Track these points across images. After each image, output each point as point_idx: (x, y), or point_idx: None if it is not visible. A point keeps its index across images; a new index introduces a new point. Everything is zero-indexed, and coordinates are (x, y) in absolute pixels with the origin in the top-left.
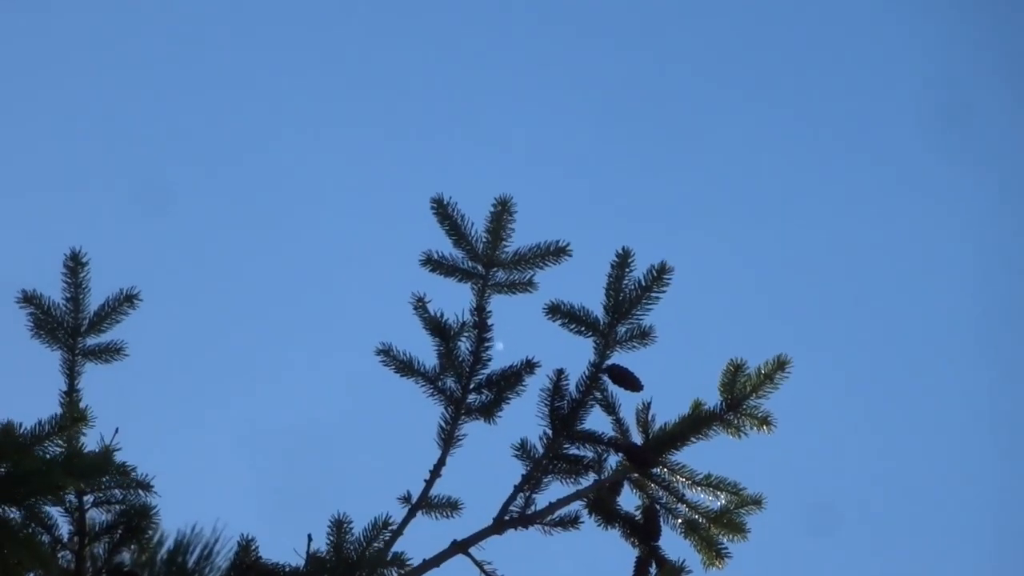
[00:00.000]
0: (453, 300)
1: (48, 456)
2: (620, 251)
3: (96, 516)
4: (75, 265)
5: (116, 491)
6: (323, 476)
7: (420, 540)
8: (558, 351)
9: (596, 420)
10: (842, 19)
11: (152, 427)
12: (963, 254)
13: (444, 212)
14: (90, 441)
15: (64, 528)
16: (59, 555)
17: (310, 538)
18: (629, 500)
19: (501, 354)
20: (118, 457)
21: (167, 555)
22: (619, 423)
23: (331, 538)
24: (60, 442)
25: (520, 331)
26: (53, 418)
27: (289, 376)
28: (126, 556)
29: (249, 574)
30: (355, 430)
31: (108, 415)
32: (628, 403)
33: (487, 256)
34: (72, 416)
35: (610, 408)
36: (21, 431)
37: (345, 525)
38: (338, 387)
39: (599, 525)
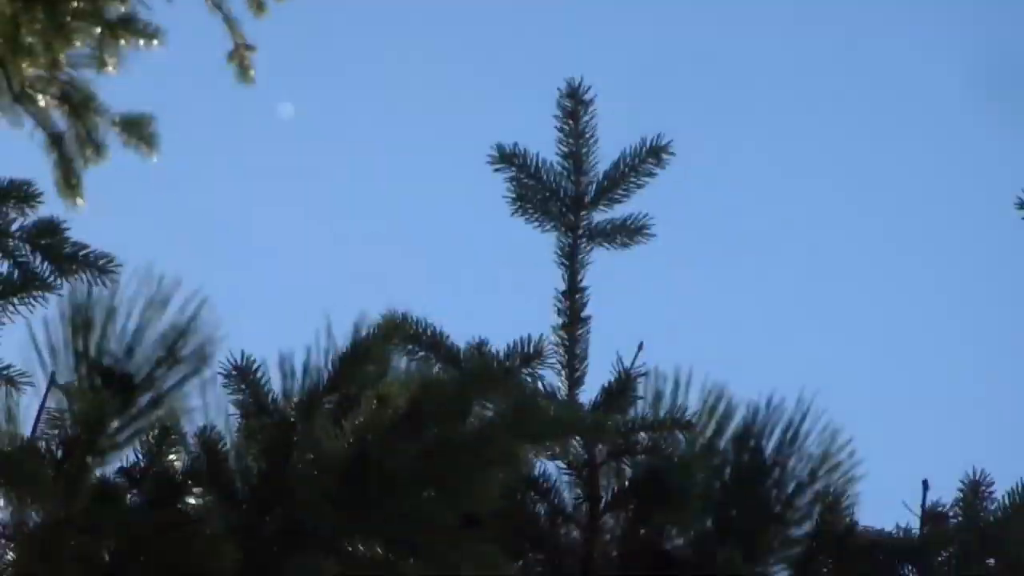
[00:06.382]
0: None
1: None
2: None
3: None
4: (574, 104)
5: (640, 434)
6: None
7: None
8: None
9: None
10: None
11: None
12: None
13: None
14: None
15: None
16: (561, 531)
17: (926, 485)
18: None
19: None
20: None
21: (732, 440)
22: None
23: (962, 490)
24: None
25: None
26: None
27: None
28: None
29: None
30: None
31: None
32: None
33: None
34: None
35: None
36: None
37: (983, 488)
38: None
39: None
